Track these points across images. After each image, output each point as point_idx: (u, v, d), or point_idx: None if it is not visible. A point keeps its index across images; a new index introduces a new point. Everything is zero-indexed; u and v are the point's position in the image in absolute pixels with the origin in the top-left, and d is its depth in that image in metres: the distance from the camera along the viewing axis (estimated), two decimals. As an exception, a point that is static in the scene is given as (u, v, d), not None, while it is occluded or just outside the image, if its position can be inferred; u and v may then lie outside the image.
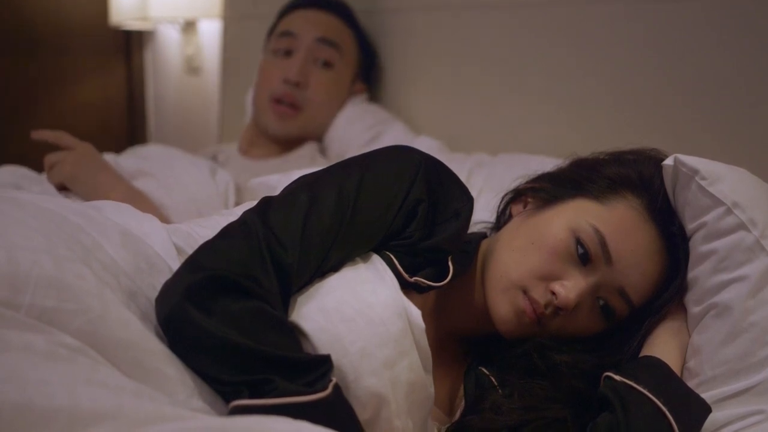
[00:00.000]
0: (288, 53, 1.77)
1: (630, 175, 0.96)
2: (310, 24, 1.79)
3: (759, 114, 1.31)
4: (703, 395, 0.87)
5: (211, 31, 2.89)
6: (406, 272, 0.87)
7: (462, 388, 0.96)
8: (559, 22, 1.62)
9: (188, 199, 1.52)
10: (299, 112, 1.75)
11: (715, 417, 0.87)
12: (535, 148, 1.53)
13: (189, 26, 3.03)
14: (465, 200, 0.93)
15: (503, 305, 0.92)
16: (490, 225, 1.08)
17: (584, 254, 0.91)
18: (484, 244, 1.00)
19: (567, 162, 1.05)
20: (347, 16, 1.84)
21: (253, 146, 1.83)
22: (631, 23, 1.49)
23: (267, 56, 1.84)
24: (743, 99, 1.33)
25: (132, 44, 3.30)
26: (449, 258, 0.91)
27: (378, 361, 0.77)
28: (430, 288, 0.89)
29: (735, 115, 1.34)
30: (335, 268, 0.84)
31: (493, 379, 0.93)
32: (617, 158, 1.00)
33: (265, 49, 1.88)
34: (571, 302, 0.90)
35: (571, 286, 0.90)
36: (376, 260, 0.86)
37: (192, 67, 2.92)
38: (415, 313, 0.82)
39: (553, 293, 0.90)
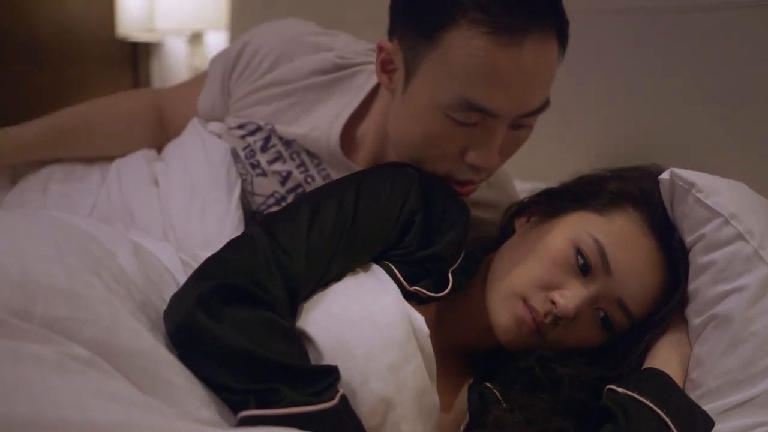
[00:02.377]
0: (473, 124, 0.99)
1: (631, 190, 0.97)
2: (519, 98, 0.96)
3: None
4: (707, 407, 0.87)
5: (217, 42, 2.91)
6: (406, 282, 0.88)
7: (466, 402, 0.96)
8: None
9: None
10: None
11: (719, 429, 0.86)
12: (540, 162, 1.53)
13: (196, 38, 3.05)
14: (461, 211, 0.94)
15: (503, 314, 0.93)
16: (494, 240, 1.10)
17: (584, 264, 0.91)
18: (487, 259, 1.02)
19: (571, 179, 1.06)
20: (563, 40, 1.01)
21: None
22: (636, 34, 1.49)
23: (433, 112, 0.97)
24: (753, 108, 1.33)
25: (139, 56, 3.32)
26: (449, 271, 0.92)
27: (383, 364, 0.78)
28: (430, 299, 0.90)
29: (743, 124, 1.34)
30: (337, 278, 0.86)
31: (498, 394, 0.94)
32: (619, 174, 1.01)
33: (430, 87, 0.97)
34: (570, 311, 0.90)
35: (570, 296, 0.91)
36: (377, 270, 0.88)
37: (198, 79, 2.92)
38: (419, 318, 0.83)
39: (553, 302, 0.91)
